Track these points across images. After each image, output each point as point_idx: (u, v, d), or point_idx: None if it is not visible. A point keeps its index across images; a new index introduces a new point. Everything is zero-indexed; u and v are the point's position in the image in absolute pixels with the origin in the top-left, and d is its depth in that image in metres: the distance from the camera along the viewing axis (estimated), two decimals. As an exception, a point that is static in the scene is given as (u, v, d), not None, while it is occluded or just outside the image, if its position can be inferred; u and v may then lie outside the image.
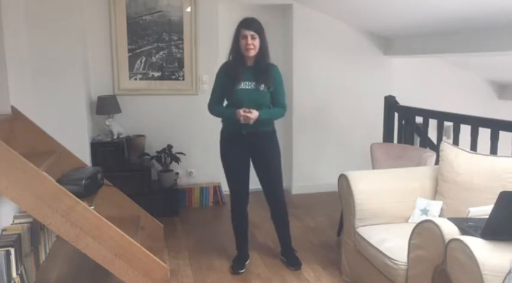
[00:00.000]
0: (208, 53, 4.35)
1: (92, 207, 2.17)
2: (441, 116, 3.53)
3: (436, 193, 2.74)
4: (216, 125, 4.45)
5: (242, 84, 2.87)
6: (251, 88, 2.88)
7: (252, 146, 2.97)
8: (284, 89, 3.04)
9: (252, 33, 2.79)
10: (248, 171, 3.06)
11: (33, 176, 1.83)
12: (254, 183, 3.11)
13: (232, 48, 2.90)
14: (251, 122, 2.80)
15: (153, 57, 4.28)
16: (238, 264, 3.06)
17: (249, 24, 2.82)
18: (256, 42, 2.82)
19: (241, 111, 2.78)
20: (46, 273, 2.34)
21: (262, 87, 2.88)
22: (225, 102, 3.04)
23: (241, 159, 3.01)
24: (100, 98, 3.96)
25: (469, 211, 2.21)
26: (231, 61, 2.93)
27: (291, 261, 3.10)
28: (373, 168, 3.48)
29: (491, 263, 1.68)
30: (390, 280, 2.32)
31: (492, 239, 1.79)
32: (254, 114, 2.78)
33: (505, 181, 2.39)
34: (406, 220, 2.69)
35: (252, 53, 2.83)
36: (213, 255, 3.29)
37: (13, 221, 2.36)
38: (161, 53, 4.29)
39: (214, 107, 3.03)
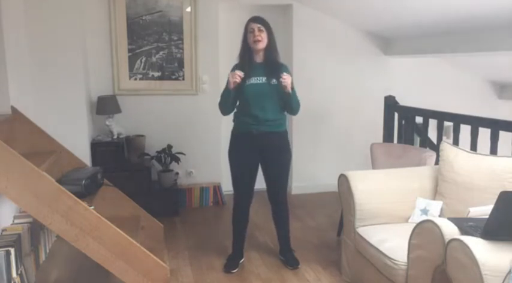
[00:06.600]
0: (208, 53, 4.36)
1: (92, 207, 2.17)
2: (441, 116, 3.53)
3: (436, 193, 2.74)
4: (216, 124, 4.51)
5: (253, 80, 2.87)
6: (262, 82, 2.87)
7: (262, 147, 2.94)
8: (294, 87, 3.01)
9: (259, 25, 2.82)
10: (256, 172, 3.04)
11: (33, 176, 1.83)
12: (257, 182, 3.09)
13: (242, 46, 2.91)
14: (287, 88, 2.77)
15: (153, 57, 4.28)
16: (232, 263, 3.07)
17: (255, 18, 2.88)
18: (264, 35, 2.83)
19: (235, 74, 2.77)
20: (46, 273, 2.34)
21: (273, 81, 2.87)
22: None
23: (250, 160, 2.98)
24: (100, 98, 3.96)
25: (469, 211, 2.21)
26: (240, 60, 2.93)
27: (289, 260, 3.11)
28: (373, 168, 3.48)
29: (491, 263, 1.68)
30: (390, 280, 2.32)
31: (492, 239, 1.79)
32: (288, 78, 2.76)
33: (505, 181, 2.39)
34: (406, 220, 2.69)
35: (260, 45, 2.83)
36: (213, 255, 3.29)
37: (13, 221, 2.35)
38: (161, 53, 4.29)
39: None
